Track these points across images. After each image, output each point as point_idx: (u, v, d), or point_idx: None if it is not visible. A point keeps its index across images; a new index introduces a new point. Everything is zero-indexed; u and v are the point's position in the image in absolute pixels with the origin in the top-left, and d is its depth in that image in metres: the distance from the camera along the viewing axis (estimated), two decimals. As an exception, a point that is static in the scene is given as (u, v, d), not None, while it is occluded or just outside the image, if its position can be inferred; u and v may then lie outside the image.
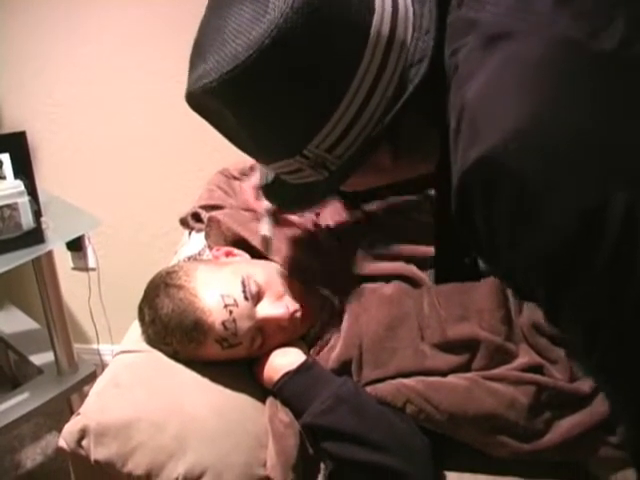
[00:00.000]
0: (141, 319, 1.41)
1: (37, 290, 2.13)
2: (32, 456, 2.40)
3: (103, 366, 1.32)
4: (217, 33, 0.90)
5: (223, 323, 1.30)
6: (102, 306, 2.55)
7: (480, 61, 0.82)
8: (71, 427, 1.25)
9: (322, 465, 1.30)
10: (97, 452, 1.22)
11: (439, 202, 1.30)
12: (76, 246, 2.50)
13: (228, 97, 0.90)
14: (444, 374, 1.32)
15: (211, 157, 2.25)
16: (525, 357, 1.33)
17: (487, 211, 0.80)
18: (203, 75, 0.89)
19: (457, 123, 0.83)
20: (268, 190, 1.19)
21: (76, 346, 2.29)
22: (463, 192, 0.81)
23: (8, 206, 1.79)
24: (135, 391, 1.31)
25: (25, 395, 2.13)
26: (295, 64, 0.87)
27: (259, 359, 1.38)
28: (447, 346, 1.34)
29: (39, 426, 2.49)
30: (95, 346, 2.67)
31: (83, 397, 1.35)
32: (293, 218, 1.54)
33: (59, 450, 1.27)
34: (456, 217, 0.84)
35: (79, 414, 1.27)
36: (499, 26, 0.82)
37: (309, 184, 1.05)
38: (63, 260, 2.53)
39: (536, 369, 1.31)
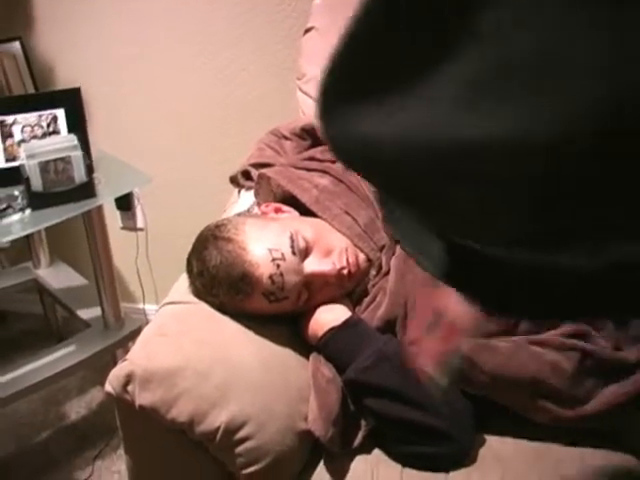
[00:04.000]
0: (189, 271, 1.42)
1: (86, 247, 2.16)
2: (77, 409, 2.45)
3: (149, 325, 1.36)
4: (471, 53, 0.44)
5: (270, 277, 1.31)
6: (149, 266, 2.58)
7: None
8: (117, 372, 1.27)
9: (363, 422, 1.31)
10: (142, 397, 1.24)
11: None
12: (125, 205, 2.53)
13: (555, 192, 0.45)
14: (488, 336, 1.32)
15: (262, 118, 2.26)
16: (570, 324, 1.32)
17: None
18: (494, 146, 0.43)
19: None
20: (458, 277, 0.67)
21: (123, 305, 2.33)
22: None
23: (62, 159, 1.82)
24: (181, 340, 1.33)
25: (71, 348, 2.17)
26: None
27: (305, 314, 1.39)
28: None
29: (85, 380, 2.54)
30: (141, 306, 2.71)
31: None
32: (343, 178, 1.54)
33: (106, 395, 1.30)
34: None
35: (126, 360, 1.29)
36: None
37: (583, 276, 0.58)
38: (112, 220, 2.55)
39: (581, 336, 1.30)
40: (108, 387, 1.29)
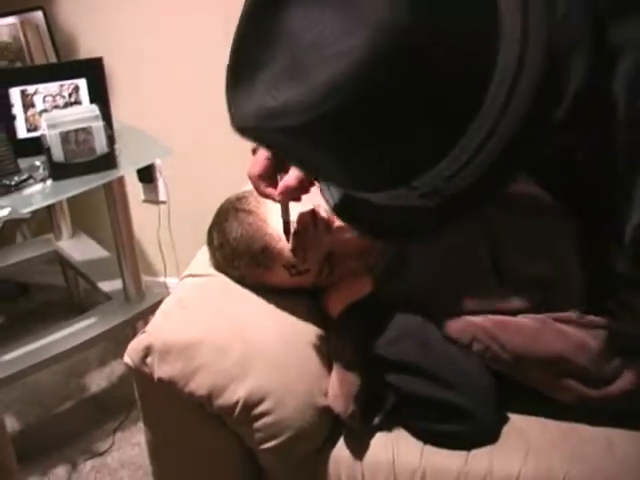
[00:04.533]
0: (210, 243, 1.41)
1: (107, 219, 2.15)
2: (97, 381, 2.45)
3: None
4: (284, 48, 0.67)
5: (292, 249, 1.29)
6: (171, 239, 2.57)
7: None
8: (136, 344, 1.27)
9: (384, 398, 1.29)
10: (160, 370, 1.24)
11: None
12: (148, 178, 2.51)
13: (318, 139, 0.66)
14: (513, 314, 1.29)
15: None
16: (598, 305, 1.29)
17: None
18: (277, 111, 0.65)
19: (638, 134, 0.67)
20: (343, 211, 0.89)
21: (144, 278, 2.31)
22: None
23: (83, 130, 1.80)
24: (201, 313, 1.32)
25: (93, 319, 2.16)
26: (417, 83, 0.63)
27: (326, 288, 1.38)
28: (518, 285, 1.30)
29: (105, 352, 2.53)
30: (162, 279, 2.70)
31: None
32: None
33: (126, 367, 1.29)
34: (635, 255, 0.74)
35: (145, 332, 1.28)
36: None
37: (409, 208, 0.78)
38: (135, 192, 2.54)
39: (608, 314, 1.27)
40: (127, 359, 1.28)
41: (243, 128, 0.71)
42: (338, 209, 0.86)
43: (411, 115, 0.64)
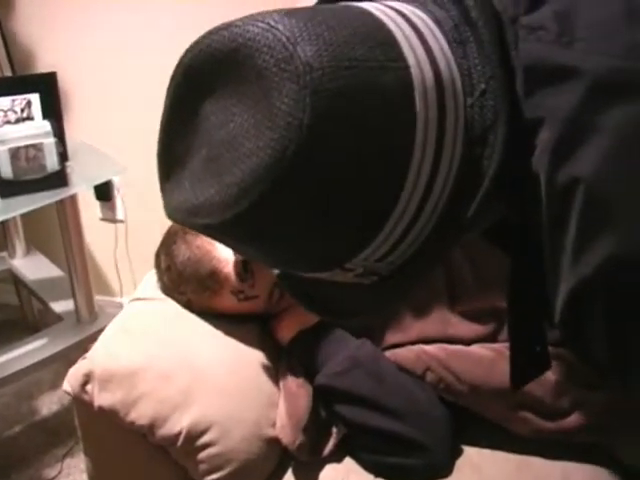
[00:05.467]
0: (157, 266, 1.37)
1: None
2: (49, 405, 2.38)
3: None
4: (202, 145, 0.67)
5: (239, 274, 1.25)
6: (128, 259, 2.52)
7: (592, 121, 0.63)
8: (76, 371, 1.22)
9: (334, 429, 1.26)
10: (100, 398, 1.19)
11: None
12: (105, 196, 2.46)
13: (238, 235, 0.66)
14: (468, 343, 1.26)
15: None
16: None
17: (614, 328, 0.68)
18: (199, 209, 0.65)
19: (560, 207, 0.65)
20: (286, 281, 0.87)
21: (100, 298, 2.27)
22: (581, 304, 0.67)
23: (33, 146, 1.75)
24: (145, 340, 1.28)
25: (43, 341, 2.11)
26: (326, 182, 0.62)
27: (276, 315, 1.34)
28: (473, 314, 1.27)
29: (57, 375, 2.46)
30: (119, 299, 2.65)
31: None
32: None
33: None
34: (565, 331, 0.74)
35: (85, 358, 1.23)
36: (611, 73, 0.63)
37: (350, 284, 0.77)
38: (92, 210, 2.49)
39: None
40: (66, 386, 1.24)
41: (174, 220, 0.70)
42: (281, 278, 0.85)
43: (323, 213, 0.64)
